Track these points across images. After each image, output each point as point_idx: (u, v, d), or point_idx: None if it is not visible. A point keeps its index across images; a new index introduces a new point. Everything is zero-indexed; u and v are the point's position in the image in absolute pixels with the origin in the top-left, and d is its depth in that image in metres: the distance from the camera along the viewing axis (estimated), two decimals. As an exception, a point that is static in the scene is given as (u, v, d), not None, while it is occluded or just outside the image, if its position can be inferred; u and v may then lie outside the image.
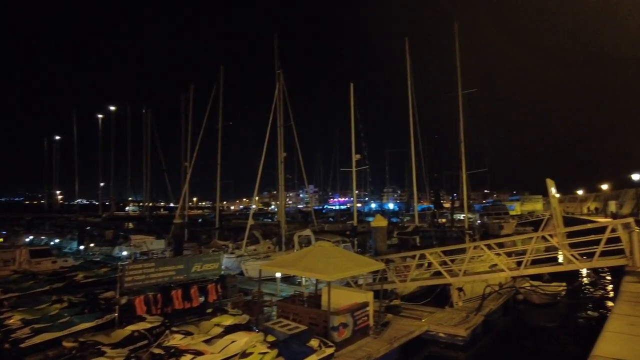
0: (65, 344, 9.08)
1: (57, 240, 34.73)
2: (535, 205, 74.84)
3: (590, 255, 12.34)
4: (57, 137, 59.63)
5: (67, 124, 56.04)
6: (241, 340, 9.30)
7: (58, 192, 67.51)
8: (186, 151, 36.06)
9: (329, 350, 9.48)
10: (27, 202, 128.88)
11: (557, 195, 16.04)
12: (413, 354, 11.55)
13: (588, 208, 53.37)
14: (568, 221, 17.38)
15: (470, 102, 31.58)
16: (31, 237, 34.81)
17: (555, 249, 13.27)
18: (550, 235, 13.01)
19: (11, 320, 10.67)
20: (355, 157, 27.93)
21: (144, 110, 46.23)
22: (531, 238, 13.68)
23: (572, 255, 12.44)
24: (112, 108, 52.41)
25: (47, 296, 13.00)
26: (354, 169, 28.26)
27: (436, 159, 38.40)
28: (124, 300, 11.26)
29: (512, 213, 60.18)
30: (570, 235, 13.68)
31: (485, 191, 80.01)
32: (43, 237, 36.26)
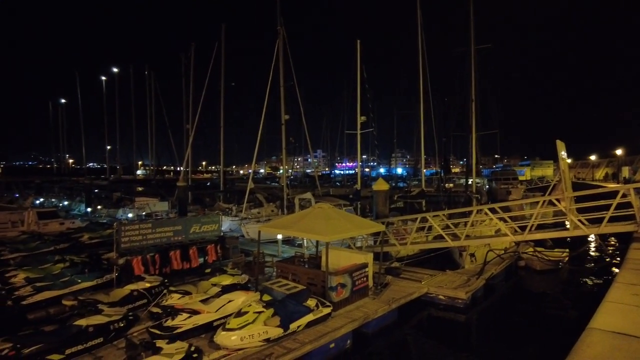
0: (64, 302, 9.21)
1: (65, 203, 35.33)
2: (546, 170, 73.50)
3: (599, 222, 11.96)
4: (63, 101, 59.60)
5: (71, 86, 56.07)
6: (238, 300, 9.35)
7: (67, 155, 68.34)
8: (188, 113, 35.65)
9: (326, 310, 9.47)
10: (40, 166, 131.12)
11: (568, 160, 15.45)
12: (411, 315, 11.56)
13: (607, 173, 51.95)
14: (577, 187, 16.84)
15: (483, 60, 30.04)
16: (41, 199, 35.40)
17: (563, 215, 12.87)
18: (558, 200, 12.59)
19: (16, 279, 10.92)
20: (360, 118, 27.19)
21: (146, 72, 45.63)
22: (537, 202, 13.25)
23: (579, 220, 12.06)
24: (115, 70, 51.82)
25: (51, 256, 13.21)
26: (358, 131, 27.64)
27: (446, 122, 37.19)
28: (121, 261, 11.33)
29: (521, 178, 59.32)
30: (578, 200, 13.25)
31: (496, 156, 78.53)
32: (53, 200, 36.90)
